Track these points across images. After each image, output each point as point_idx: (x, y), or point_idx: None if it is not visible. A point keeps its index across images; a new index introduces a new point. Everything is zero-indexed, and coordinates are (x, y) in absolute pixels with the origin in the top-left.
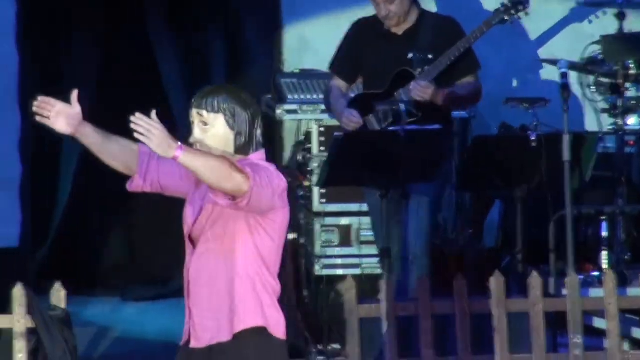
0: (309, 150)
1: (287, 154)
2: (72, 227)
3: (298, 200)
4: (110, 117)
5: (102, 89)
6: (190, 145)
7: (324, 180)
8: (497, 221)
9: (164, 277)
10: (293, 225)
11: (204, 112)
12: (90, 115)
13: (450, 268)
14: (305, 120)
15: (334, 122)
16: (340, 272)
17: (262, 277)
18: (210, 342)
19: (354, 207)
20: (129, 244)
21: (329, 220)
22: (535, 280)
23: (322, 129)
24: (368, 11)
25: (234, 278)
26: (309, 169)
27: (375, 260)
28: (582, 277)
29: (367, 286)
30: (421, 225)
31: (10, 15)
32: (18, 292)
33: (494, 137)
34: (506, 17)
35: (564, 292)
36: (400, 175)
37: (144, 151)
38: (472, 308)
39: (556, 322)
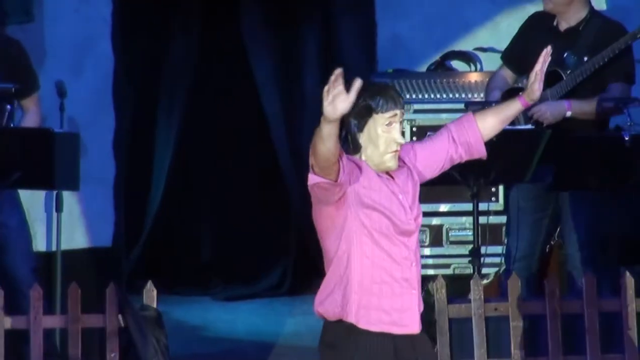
0: None
1: None
2: (164, 227)
3: None
4: (206, 116)
5: (196, 88)
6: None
7: None
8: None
9: (254, 277)
10: None
11: (403, 111)
12: (186, 113)
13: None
14: None
15: (426, 122)
16: (431, 272)
17: None
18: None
19: (444, 206)
20: (220, 244)
21: (422, 221)
22: (628, 280)
23: (414, 129)
24: (462, 9)
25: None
26: None
27: (466, 260)
28: None
29: (456, 286)
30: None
31: (106, 14)
32: (110, 292)
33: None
34: None
35: None
36: (491, 175)
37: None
38: (564, 309)
39: None
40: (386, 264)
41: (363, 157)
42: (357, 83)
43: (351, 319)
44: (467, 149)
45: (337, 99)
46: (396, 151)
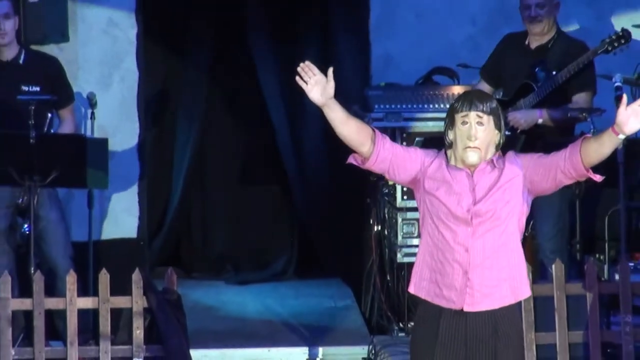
0: None
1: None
2: (183, 220)
3: (383, 197)
4: (219, 122)
5: (210, 98)
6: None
7: None
8: None
9: (262, 264)
10: (378, 219)
11: (482, 114)
12: (202, 120)
13: None
14: (389, 128)
15: (415, 129)
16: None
17: (521, 250)
18: (492, 307)
19: None
20: (232, 235)
21: (410, 215)
22: (591, 266)
23: (404, 135)
24: (446, 30)
25: (510, 252)
26: None
27: None
28: (632, 264)
29: None
30: None
31: (131, 35)
32: (135, 276)
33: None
34: (610, 48)
35: (617, 277)
36: None
37: (379, 132)
38: (536, 292)
39: (609, 304)
40: (441, 245)
41: (450, 152)
42: (330, 70)
43: (413, 289)
44: (575, 168)
45: (307, 89)
46: (469, 147)
